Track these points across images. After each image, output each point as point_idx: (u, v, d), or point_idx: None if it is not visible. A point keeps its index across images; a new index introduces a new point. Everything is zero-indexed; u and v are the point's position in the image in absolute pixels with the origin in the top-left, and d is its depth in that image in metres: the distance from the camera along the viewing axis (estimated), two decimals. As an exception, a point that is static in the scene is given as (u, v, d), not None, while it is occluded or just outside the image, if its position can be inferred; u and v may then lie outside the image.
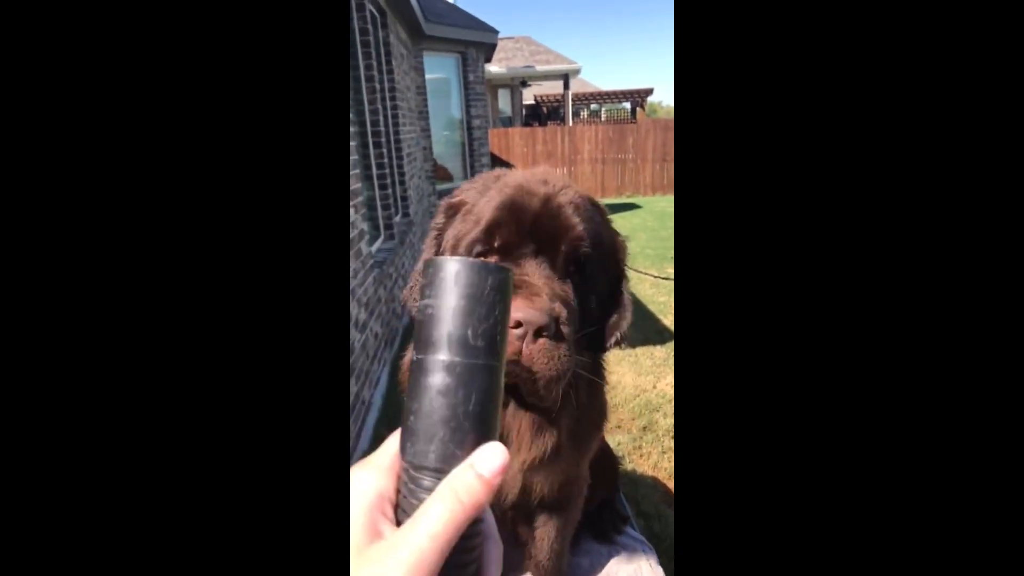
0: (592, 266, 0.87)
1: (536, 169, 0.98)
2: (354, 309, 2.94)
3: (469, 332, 0.37)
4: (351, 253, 2.97)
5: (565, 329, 0.76)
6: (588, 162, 13.42)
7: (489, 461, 0.37)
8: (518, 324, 0.72)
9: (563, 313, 0.77)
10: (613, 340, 0.96)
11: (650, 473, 2.86)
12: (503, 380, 0.40)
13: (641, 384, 3.79)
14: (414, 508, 0.37)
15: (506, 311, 0.39)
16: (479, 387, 0.37)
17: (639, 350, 4.33)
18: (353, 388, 2.81)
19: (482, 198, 0.90)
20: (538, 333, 0.73)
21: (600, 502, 1.41)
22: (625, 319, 0.97)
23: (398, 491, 0.39)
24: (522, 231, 0.83)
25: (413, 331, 0.42)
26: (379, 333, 3.58)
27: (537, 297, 0.75)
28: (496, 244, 0.84)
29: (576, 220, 0.85)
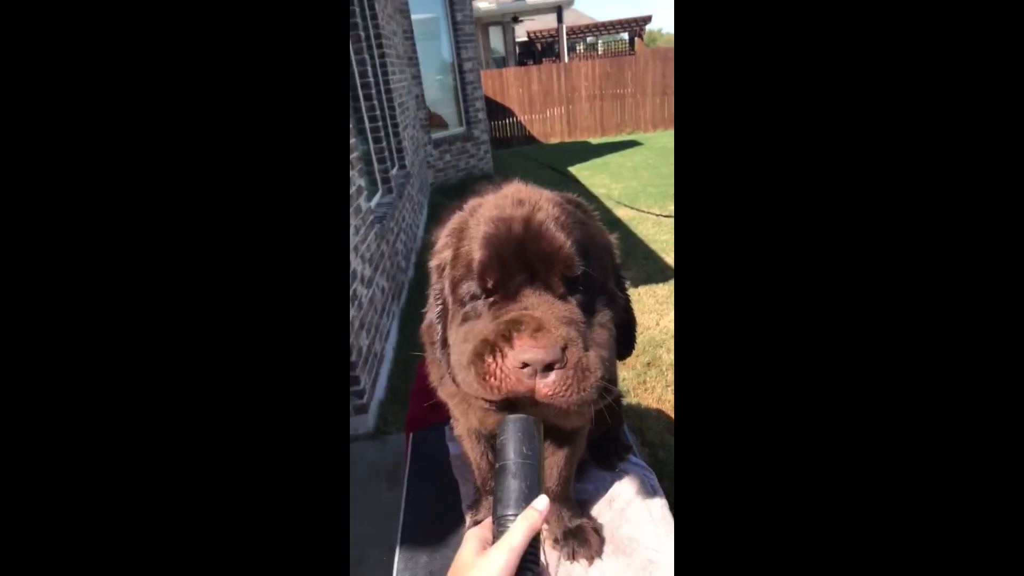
0: (589, 278, 0.86)
1: (506, 189, 0.96)
2: (358, 265, 2.98)
3: (524, 447, 0.77)
4: (351, 210, 2.98)
5: (576, 352, 0.75)
6: (586, 99, 12.97)
7: (540, 503, 0.73)
8: (524, 365, 0.73)
9: (572, 335, 0.76)
10: (628, 338, 1.02)
11: (654, 406, 2.99)
12: (543, 473, 0.78)
13: (644, 322, 3.87)
14: (501, 536, 0.71)
15: (541, 439, 0.79)
16: (531, 474, 0.76)
17: (641, 289, 4.39)
18: (365, 342, 2.91)
19: (464, 241, 0.90)
20: (548, 367, 0.73)
21: (604, 433, 1.50)
22: (631, 327, 1.02)
23: (493, 536, 0.73)
24: (510, 261, 0.82)
25: (496, 453, 0.78)
26: (385, 288, 3.65)
27: (541, 332, 0.75)
28: (490, 285, 0.83)
29: (562, 237, 0.84)
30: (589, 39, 19.85)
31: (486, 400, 0.80)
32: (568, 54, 15.87)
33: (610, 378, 0.80)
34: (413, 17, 6.48)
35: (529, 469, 0.76)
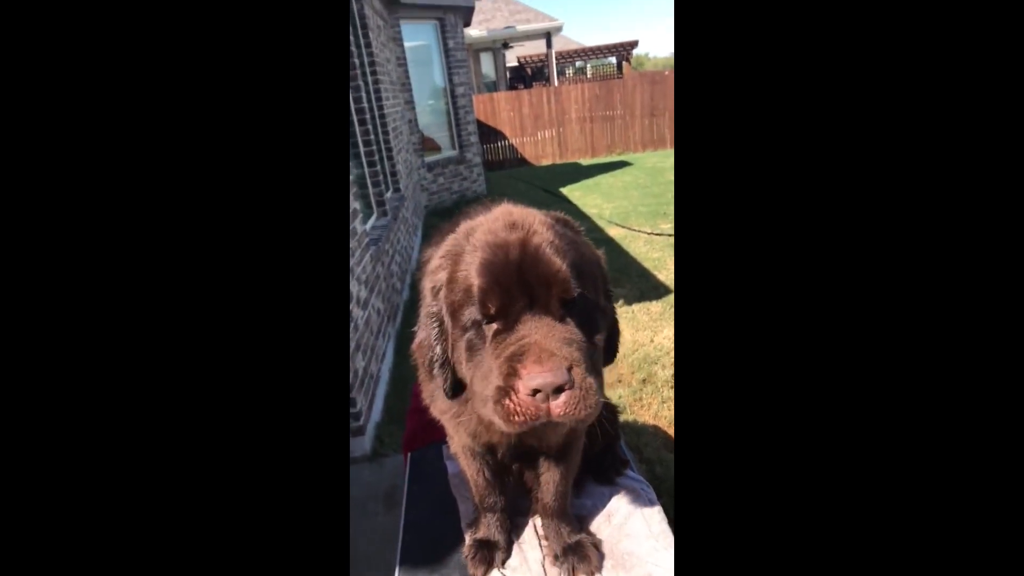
0: (583, 298, 0.91)
1: (495, 211, 1.00)
2: (355, 287, 3.00)
3: None
4: (346, 233, 3.01)
5: (580, 372, 0.80)
6: (576, 122, 13.22)
7: None
8: (535, 392, 0.78)
9: (576, 356, 0.81)
10: (613, 346, 1.06)
11: (651, 422, 2.99)
12: None
13: (639, 339, 3.89)
14: None
15: None
16: None
17: (635, 306, 4.42)
18: (361, 364, 2.91)
19: (460, 265, 0.92)
20: (559, 389, 0.78)
21: (602, 448, 1.52)
22: (615, 336, 1.06)
23: None
24: (510, 287, 0.86)
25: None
26: (381, 309, 3.67)
27: (548, 356, 0.80)
28: (491, 312, 0.87)
29: (558, 261, 0.87)
30: (578, 63, 20.33)
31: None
32: (557, 78, 16.23)
33: (605, 407, 0.90)
34: (406, 45, 6.65)
35: None
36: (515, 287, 0.86)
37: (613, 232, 6.49)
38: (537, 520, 1.33)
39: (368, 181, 4.26)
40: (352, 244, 3.10)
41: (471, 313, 0.90)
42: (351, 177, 3.32)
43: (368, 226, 4.00)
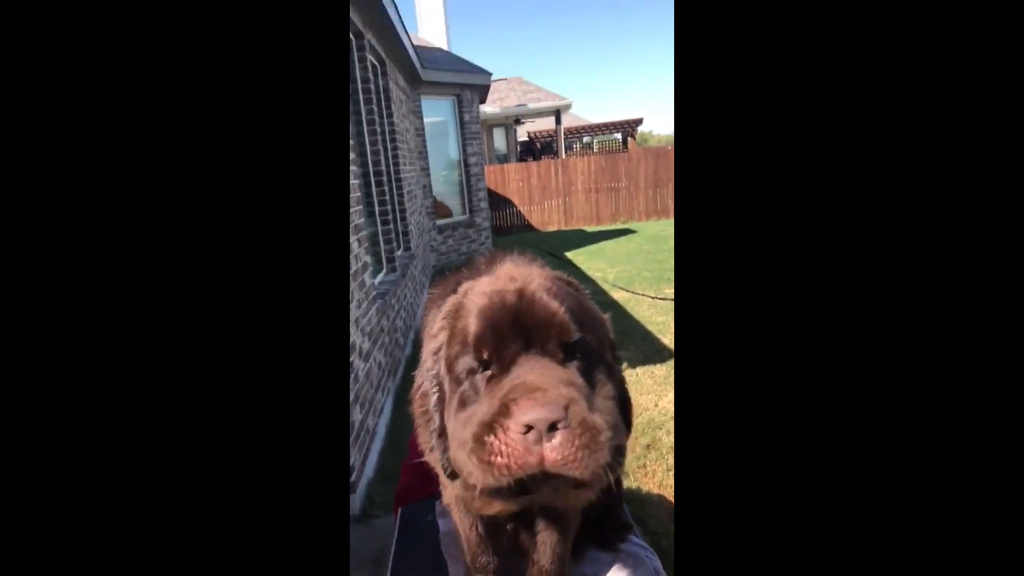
0: (586, 345, 0.87)
1: (499, 270, 0.97)
2: (358, 338, 3.01)
3: None
4: (355, 284, 3.06)
5: (580, 409, 0.70)
6: (582, 192, 13.71)
7: None
8: (528, 428, 0.68)
9: (575, 395, 0.72)
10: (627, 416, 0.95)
11: (656, 491, 2.86)
12: None
13: (643, 403, 3.80)
14: None
15: None
16: None
17: (639, 370, 4.36)
18: (358, 416, 2.85)
19: (459, 321, 0.89)
20: (552, 427, 0.68)
21: (603, 510, 1.45)
22: (627, 404, 0.96)
23: None
24: (505, 331, 0.81)
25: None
26: (382, 363, 3.64)
27: (539, 392, 0.71)
28: (485, 356, 0.81)
29: (555, 304, 0.84)
30: (585, 139, 21.39)
31: (496, 491, 0.74)
32: (565, 152, 17.01)
33: (619, 444, 0.75)
34: (426, 120, 7.09)
35: None
36: (510, 330, 0.82)
37: (617, 295, 6.53)
38: (533, 585, 1.24)
39: (380, 238, 4.38)
40: (360, 296, 3.14)
41: (466, 363, 0.85)
42: (364, 233, 3.42)
43: (377, 280, 4.06)
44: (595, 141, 22.33)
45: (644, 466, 3.08)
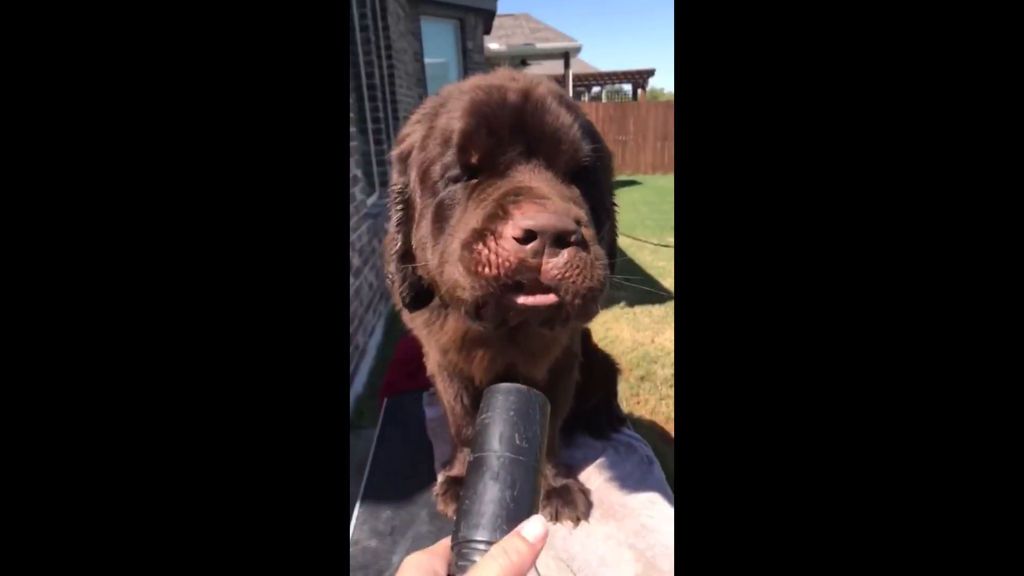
0: (595, 174, 0.73)
1: (495, 73, 0.80)
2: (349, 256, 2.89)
3: (517, 436, 0.50)
4: (345, 195, 2.92)
5: (588, 232, 0.60)
6: (588, 141, 13.32)
7: (533, 529, 0.46)
8: (530, 235, 0.56)
9: (582, 215, 0.61)
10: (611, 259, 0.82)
11: (648, 417, 2.84)
12: (541, 479, 0.51)
13: (639, 339, 3.76)
14: (463, 573, 0.45)
15: (546, 427, 0.53)
16: (523, 477, 0.48)
17: (637, 309, 4.30)
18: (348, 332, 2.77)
19: (440, 117, 0.73)
20: (560, 242, 0.57)
21: (597, 403, 1.37)
22: (615, 232, 0.85)
23: (450, 571, 0.47)
24: (503, 133, 0.67)
25: (472, 438, 0.52)
26: (374, 284, 3.54)
27: (546, 200, 0.59)
28: (474, 160, 0.67)
29: (569, 117, 0.69)
30: (595, 89, 20.59)
31: (476, 303, 0.61)
32: (574, 100, 16.35)
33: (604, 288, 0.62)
34: (426, 61, 6.68)
35: (521, 470, 0.48)
36: (509, 133, 0.66)
37: (620, 241, 6.41)
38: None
39: (373, 159, 4.19)
40: (350, 210, 3.00)
41: (446, 166, 0.69)
42: (355, 143, 3.24)
43: (370, 202, 3.90)
44: (604, 91, 21.49)
45: (638, 395, 3.05)
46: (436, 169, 0.70)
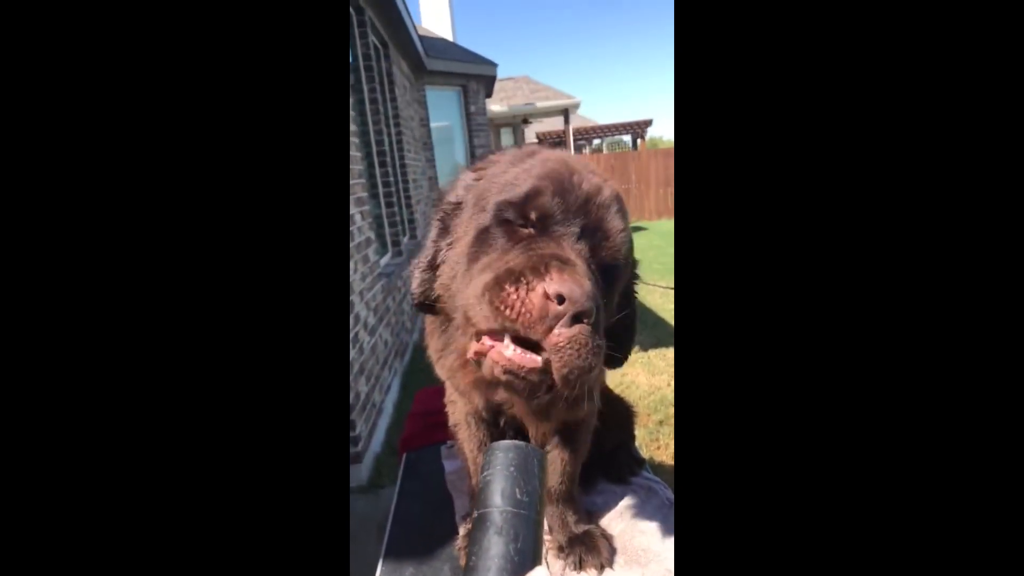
0: (618, 273, 0.80)
1: (567, 153, 0.88)
2: (363, 310, 2.97)
3: (517, 490, 0.53)
4: (359, 257, 3.03)
5: (597, 317, 0.65)
6: (591, 191, 13.64)
7: None
8: (561, 299, 0.60)
9: (600, 303, 0.67)
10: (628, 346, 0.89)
11: (668, 462, 2.78)
12: (542, 531, 0.54)
13: (655, 383, 3.73)
14: None
15: (544, 480, 0.56)
16: (525, 530, 0.51)
17: (651, 352, 4.28)
18: (364, 388, 2.80)
19: (513, 167, 0.79)
20: (577, 318, 0.61)
21: (615, 447, 1.38)
22: (636, 322, 0.91)
23: None
24: (569, 207, 0.73)
25: (476, 496, 0.55)
26: (389, 341, 3.59)
27: (582, 278, 0.64)
28: (534, 215, 0.72)
29: (622, 224, 0.76)
30: (595, 141, 21.30)
31: (479, 341, 0.66)
32: (574, 153, 16.96)
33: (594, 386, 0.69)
34: (432, 125, 7.06)
35: (523, 523, 0.51)
36: (573, 211, 0.72)
37: (628, 286, 6.45)
38: (540, 511, 1.17)
39: (385, 221, 4.35)
40: (363, 269, 3.11)
41: (503, 206, 0.73)
42: (367, 207, 3.39)
43: (382, 262, 4.03)
44: (604, 143, 22.23)
45: (657, 439, 3.00)
46: (490, 200, 0.76)
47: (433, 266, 0.84)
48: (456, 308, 0.73)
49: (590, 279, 0.66)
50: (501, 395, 0.73)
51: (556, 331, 0.61)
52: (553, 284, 0.61)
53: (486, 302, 0.64)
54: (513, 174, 0.77)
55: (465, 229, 0.79)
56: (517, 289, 0.63)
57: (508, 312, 0.62)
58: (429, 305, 0.85)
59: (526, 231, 0.72)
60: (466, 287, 0.72)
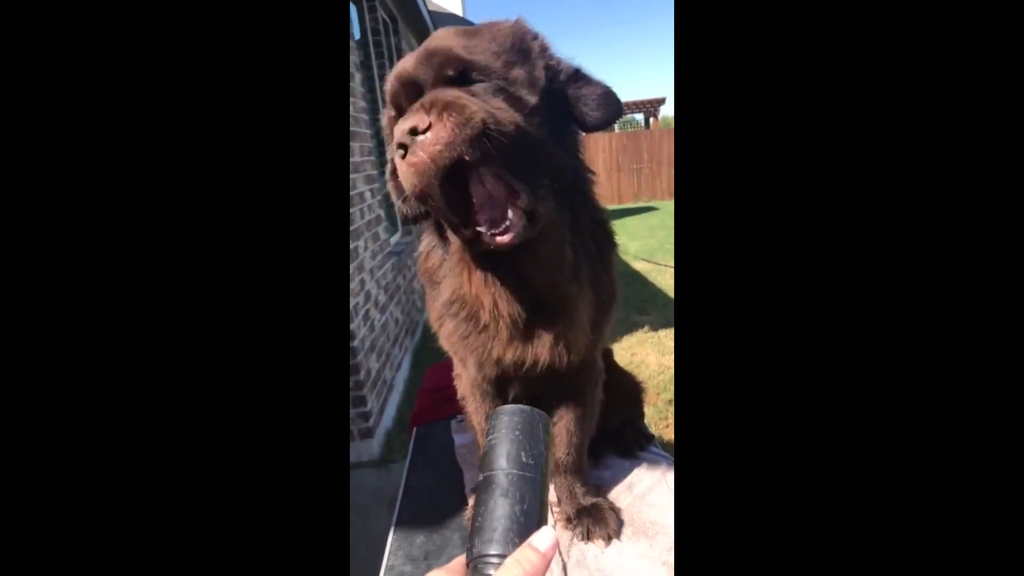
0: (482, 68, 0.79)
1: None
2: (373, 288, 2.98)
3: (523, 454, 0.53)
4: (369, 235, 3.03)
5: (441, 101, 0.71)
6: (603, 171, 13.47)
7: (543, 540, 0.48)
8: (402, 147, 0.69)
9: (441, 97, 0.72)
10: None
11: (679, 441, 2.79)
12: (548, 494, 0.54)
13: (664, 362, 3.72)
14: None
15: (550, 443, 0.56)
16: (531, 492, 0.51)
17: (661, 333, 4.26)
18: (375, 365, 2.83)
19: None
20: (414, 132, 0.69)
21: (623, 422, 1.38)
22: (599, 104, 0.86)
23: None
24: (407, 80, 0.79)
25: (481, 459, 0.55)
26: (400, 319, 3.62)
27: (410, 114, 0.72)
28: (402, 108, 0.79)
29: (445, 42, 0.80)
30: (605, 120, 20.89)
31: (416, 193, 0.72)
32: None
33: (507, 122, 0.72)
34: None
35: (529, 485, 0.51)
36: (404, 86, 0.79)
37: (639, 266, 6.40)
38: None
39: (395, 199, 4.34)
40: (374, 247, 3.11)
41: (387, 120, 0.84)
42: (377, 185, 3.38)
43: (393, 240, 4.03)
44: (616, 123, 21.80)
45: (666, 418, 3.00)
46: (386, 125, 0.87)
47: (395, 172, 0.85)
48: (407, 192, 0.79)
49: (427, 99, 0.72)
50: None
51: (421, 148, 0.69)
52: (396, 139, 0.71)
53: (399, 170, 0.73)
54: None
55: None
56: (398, 158, 0.72)
57: (410, 182, 0.71)
58: (420, 214, 0.90)
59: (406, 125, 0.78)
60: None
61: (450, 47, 0.80)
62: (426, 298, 1.04)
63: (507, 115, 0.75)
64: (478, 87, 0.79)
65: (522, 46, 0.86)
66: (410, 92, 0.79)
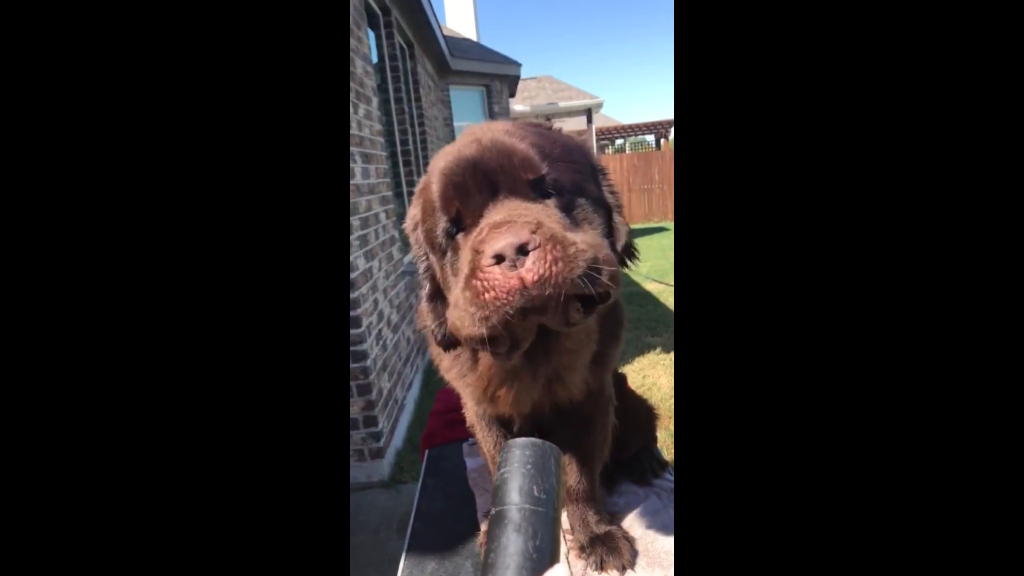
0: (558, 180, 0.79)
1: (464, 132, 0.89)
2: (386, 307, 3.00)
3: (535, 488, 0.52)
4: (383, 255, 3.07)
5: (554, 226, 0.68)
6: (614, 191, 13.52)
7: None
8: (499, 259, 0.65)
9: (543, 219, 0.69)
10: (622, 245, 0.86)
11: (692, 466, 2.74)
12: (560, 528, 0.53)
13: (678, 385, 3.68)
14: None
15: (561, 476, 0.55)
16: (543, 527, 0.51)
17: (672, 354, 4.22)
18: (386, 384, 2.84)
19: (427, 191, 0.82)
20: (522, 251, 0.65)
21: (637, 450, 1.36)
22: (622, 228, 0.87)
23: None
24: (467, 184, 0.76)
25: (493, 493, 0.55)
26: (411, 339, 3.63)
27: (505, 224, 0.68)
28: (455, 216, 0.77)
29: (515, 143, 0.78)
30: (618, 141, 21.12)
31: (484, 332, 0.68)
32: (598, 153, 16.77)
33: (598, 257, 0.67)
34: (455, 124, 7.12)
35: (541, 521, 0.51)
36: (472, 181, 0.76)
37: (650, 287, 6.38)
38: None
39: (409, 219, 4.40)
40: (388, 268, 3.15)
41: (442, 227, 0.79)
42: (392, 207, 3.44)
43: (406, 259, 4.07)
44: (627, 143, 22.02)
45: (680, 442, 2.96)
46: (437, 233, 0.80)
47: (434, 297, 0.85)
48: (459, 328, 0.74)
49: (516, 214, 0.69)
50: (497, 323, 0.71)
51: (523, 274, 0.64)
52: (487, 252, 0.65)
53: (469, 302, 0.68)
54: (427, 197, 0.80)
55: (440, 269, 0.82)
56: (477, 278, 0.67)
57: (489, 296, 0.66)
58: (453, 340, 0.84)
59: (464, 230, 0.77)
60: (453, 306, 0.74)
61: (526, 150, 0.77)
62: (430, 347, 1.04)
63: (606, 253, 0.69)
64: (551, 201, 0.76)
65: (590, 163, 0.88)
66: (481, 186, 0.75)
